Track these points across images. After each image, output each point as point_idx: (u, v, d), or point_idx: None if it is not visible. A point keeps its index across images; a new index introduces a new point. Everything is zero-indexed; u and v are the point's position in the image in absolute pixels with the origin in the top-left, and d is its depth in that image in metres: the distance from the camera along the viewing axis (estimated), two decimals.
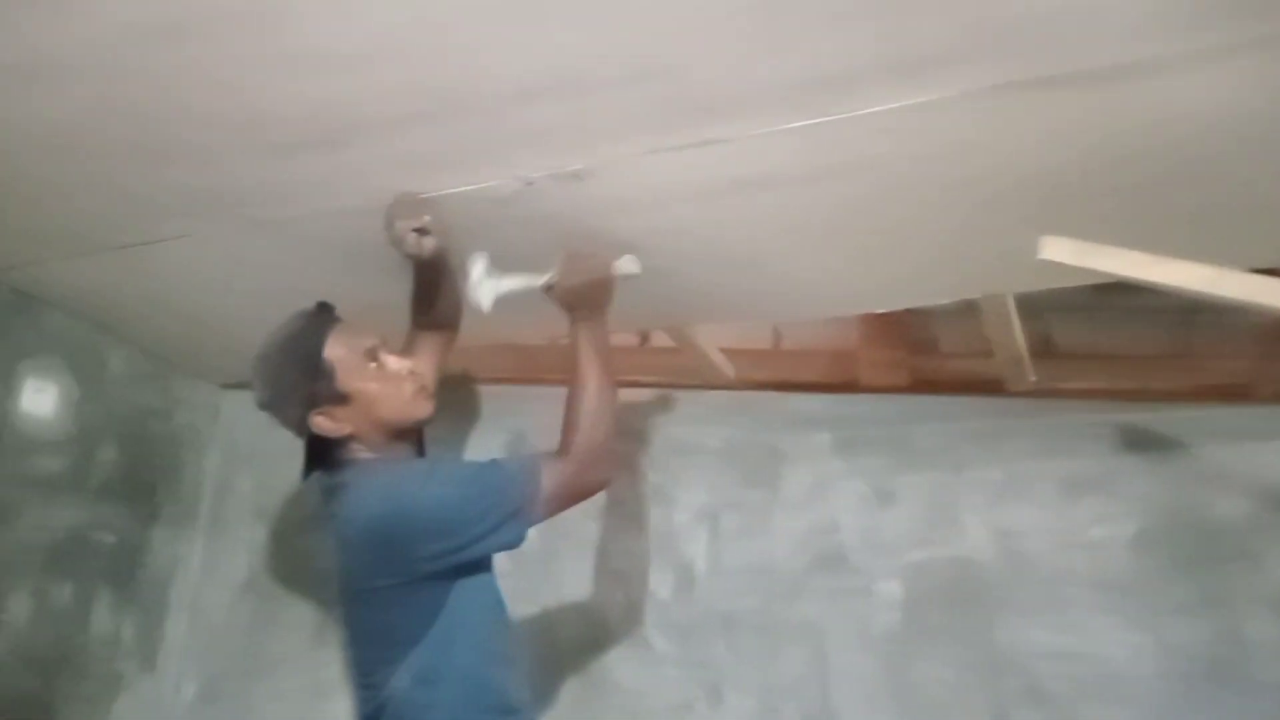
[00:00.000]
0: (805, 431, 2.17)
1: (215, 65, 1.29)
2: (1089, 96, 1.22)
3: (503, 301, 1.55)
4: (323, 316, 1.55)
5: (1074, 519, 1.94)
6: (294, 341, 1.52)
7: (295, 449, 1.59)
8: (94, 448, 2.23)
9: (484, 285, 1.53)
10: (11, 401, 2.05)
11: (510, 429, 2.29)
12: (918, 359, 2.20)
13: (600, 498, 2.21)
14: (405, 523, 1.42)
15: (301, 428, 1.52)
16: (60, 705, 2.15)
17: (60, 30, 1.23)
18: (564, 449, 1.49)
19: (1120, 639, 1.86)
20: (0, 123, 1.44)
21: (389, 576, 1.44)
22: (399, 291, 1.69)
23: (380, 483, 1.47)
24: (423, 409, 1.57)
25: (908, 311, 2.13)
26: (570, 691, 2.14)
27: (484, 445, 2.28)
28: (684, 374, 2.28)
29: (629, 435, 2.21)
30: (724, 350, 2.23)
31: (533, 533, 2.17)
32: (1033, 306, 1.89)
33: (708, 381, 2.26)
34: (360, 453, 1.53)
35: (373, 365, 1.53)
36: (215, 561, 2.49)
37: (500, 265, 1.56)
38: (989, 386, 2.08)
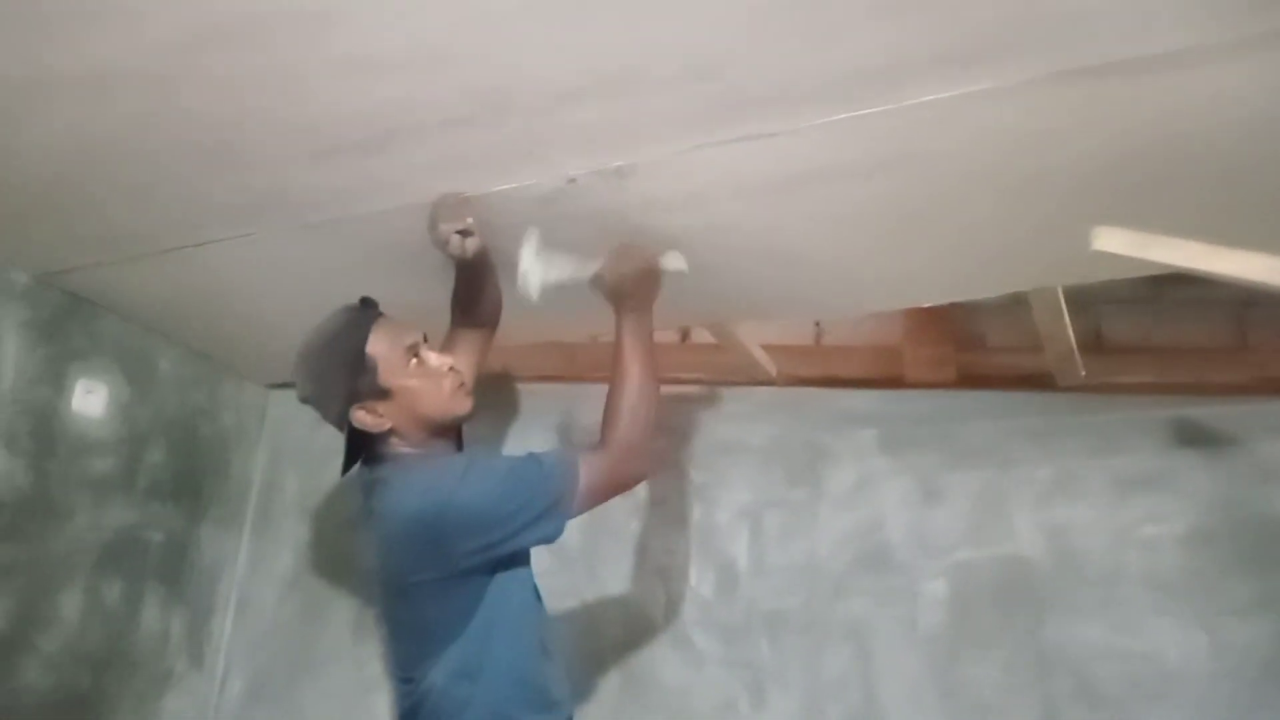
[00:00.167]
0: (849, 429, 2.15)
1: (267, 71, 1.30)
2: (1142, 85, 1.19)
3: (550, 291, 1.54)
4: (366, 312, 1.56)
5: (1126, 517, 1.91)
6: (337, 336, 1.52)
7: (339, 449, 1.59)
8: (143, 448, 2.27)
9: (533, 274, 1.52)
10: (63, 403, 2.09)
11: (550, 427, 2.30)
12: (964, 354, 2.17)
13: (642, 495, 2.21)
14: (444, 519, 1.42)
15: (342, 422, 1.53)
16: (110, 701, 2.19)
17: (116, 40, 1.25)
18: (603, 442, 1.49)
19: (1174, 639, 1.82)
20: (56, 130, 1.47)
21: (428, 572, 1.44)
22: (442, 291, 1.70)
23: (419, 479, 1.47)
24: (462, 406, 1.58)
25: (953, 306, 2.11)
26: (612, 689, 2.14)
27: (523, 443, 2.27)
28: (726, 371, 2.27)
29: (671, 433, 2.21)
30: (766, 347, 2.22)
31: (575, 530, 2.18)
32: (1082, 300, 1.85)
33: (750, 378, 2.25)
34: (400, 448, 1.54)
35: (414, 361, 1.53)
36: (262, 559, 2.52)
37: (547, 254, 1.55)
38: (1038, 382, 2.05)
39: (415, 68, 1.27)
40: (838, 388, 2.22)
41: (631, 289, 1.55)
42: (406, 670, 1.52)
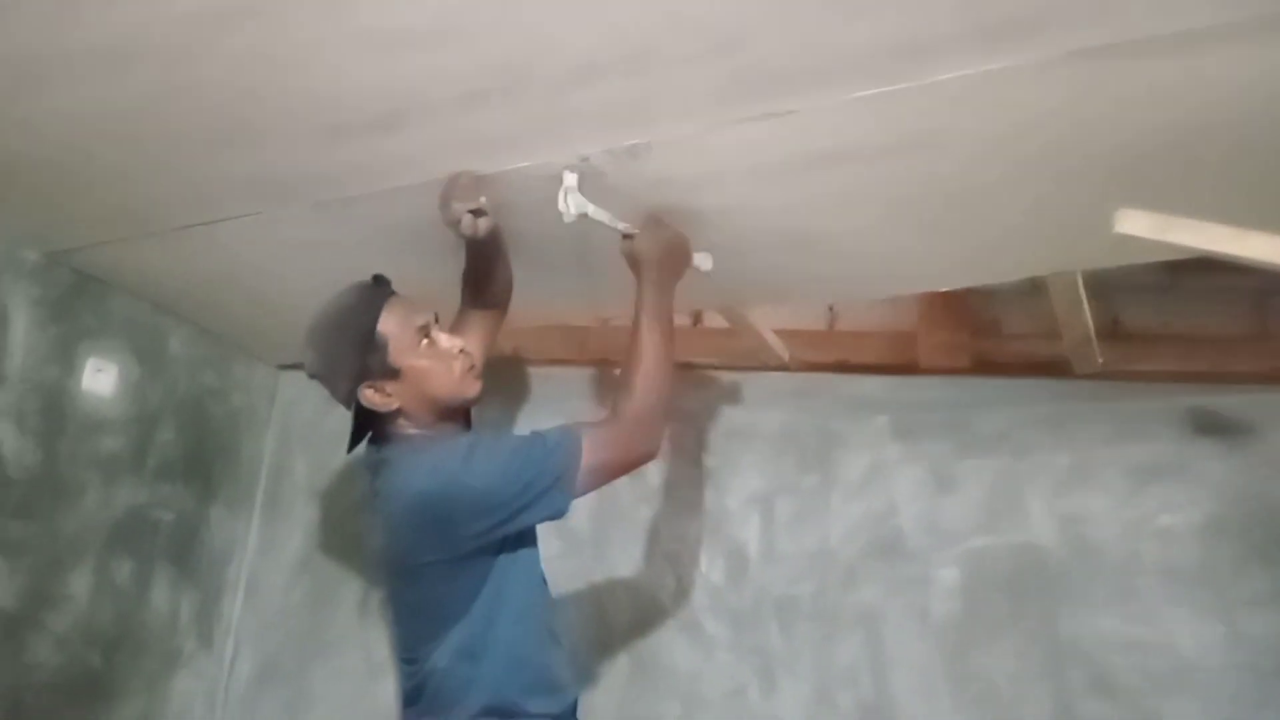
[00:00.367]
0: (862, 415, 2.14)
1: (278, 47, 1.28)
2: (1167, 64, 1.16)
3: (583, 220, 1.50)
4: (379, 290, 1.54)
5: (1143, 506, 1.89)
6: (349, 313, 1.51)
7: (348, 431, 1.58)
8: (153, 428, 2.27)
9: (575, 196, 1.48)
10: (74, 382, 2.09)
11: (559, 410, 2.28)
12: (980, 340, 2.15)
13: (652, 480, 2.20)
14: (449, 500, 1.41)
15: (350, 399, 1.52)
16: (120, 680, 2.19)
17: (125, 15, 1.24)
18: (615, 414, 1.48)
19: (1190, 630, 1.80)
20: (66, 108, 1.45)
21: (433, 553, 1.44)
22: (454, 271, 1.68)
23: (424, 460, 1.46)
24: (471, 388, 1.57)
25: (969, 291, 2.09)
26: (621, 674, 2.14)
27: (532, 426, 2.24)
28: (738, 356, 2.25)
29: (681, 417, 2.20)
30: (779, 331, 2.20)
31: (585, 515, 2.19)
32: (1100, 286, 1.83)
33: (762, 363, 2.24)
34: (407, 428, 1.53)
35: (425, 342, 1.52)
36: (271, 541, 2.52)
37: (558, 242, 1.54)
38: (1054, 369, 2.03)
39: (434, 41, 1.25)
40: (851, 373, 2.20)
41: (660, 257, 1.55)
42: (410, 650, 1.52)
